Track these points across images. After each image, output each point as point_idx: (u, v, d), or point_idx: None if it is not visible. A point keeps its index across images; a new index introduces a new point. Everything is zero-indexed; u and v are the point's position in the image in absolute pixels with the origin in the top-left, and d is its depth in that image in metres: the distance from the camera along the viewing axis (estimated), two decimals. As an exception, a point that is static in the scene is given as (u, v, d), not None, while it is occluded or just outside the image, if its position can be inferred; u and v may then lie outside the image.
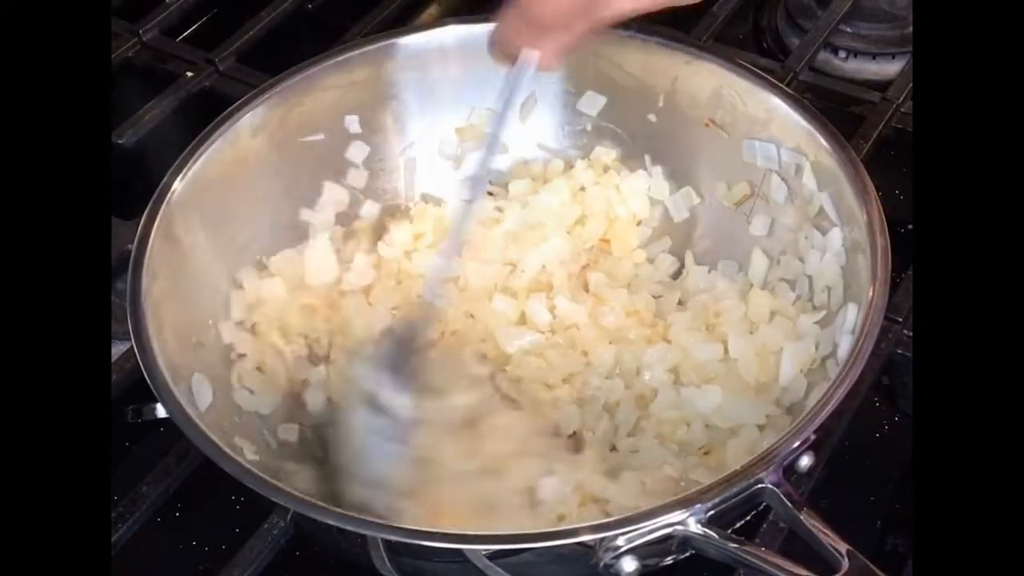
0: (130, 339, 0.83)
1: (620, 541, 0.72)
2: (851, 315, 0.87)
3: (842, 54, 1.23)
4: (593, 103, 1.05)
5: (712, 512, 0.74)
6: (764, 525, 0.82)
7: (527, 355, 0.96)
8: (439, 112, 1.07)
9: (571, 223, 1.04)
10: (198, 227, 0.95)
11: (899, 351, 0.93)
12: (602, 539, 0.72)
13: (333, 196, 1.04)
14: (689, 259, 1.02)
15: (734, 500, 0.74)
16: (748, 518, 0.81)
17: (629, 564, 0.72)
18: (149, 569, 0.90)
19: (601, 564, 0.73)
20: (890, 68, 1.21)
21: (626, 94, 1.03)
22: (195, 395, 0.87)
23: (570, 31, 0.82)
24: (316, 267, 1.01)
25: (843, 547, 0.71)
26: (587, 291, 1.01)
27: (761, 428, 0.89)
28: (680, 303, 1.00)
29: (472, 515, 0.84)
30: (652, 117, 1.03)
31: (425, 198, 1.08)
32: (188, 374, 0.88)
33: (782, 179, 0.96)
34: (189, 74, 1.20)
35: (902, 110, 1.11)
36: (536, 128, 1.07)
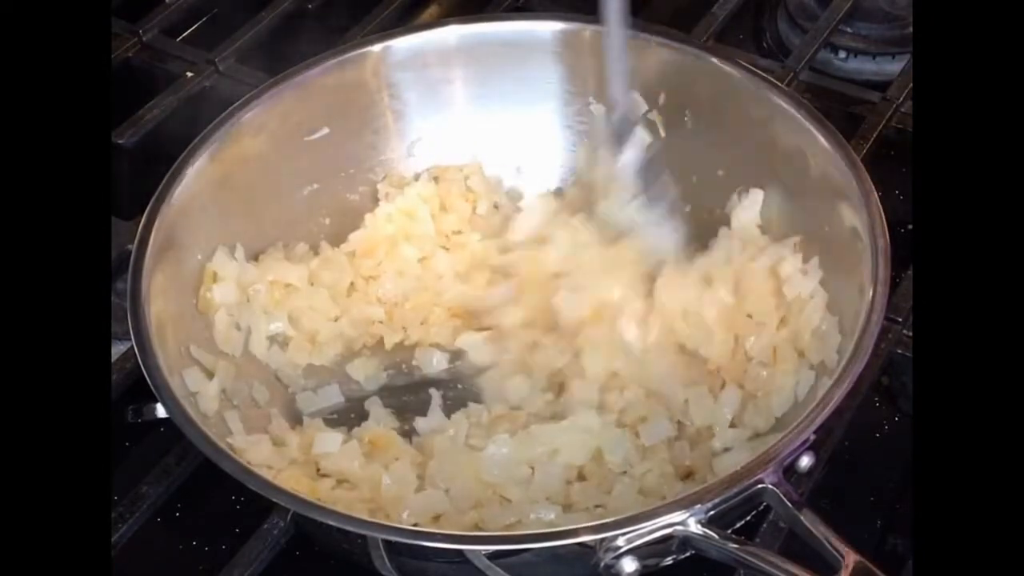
0: (130, 339, 0.84)
1: (620, 541, 0.72)
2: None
3: (842, 54, 1.23)
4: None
5: (712, 512, 0.74)
6: (764, 525, 0.82)
7: None
8: (440, 112, 1.07)
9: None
10: (198, 227, 0.95)
11: (899, 351, 0.93)
12: (602, 539, 0.72)
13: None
14: None
15: (734, 500, 0.74)
16: (748, 518, 0.81)
17: (629, 564, 0.72)
18: (149, 569, 0.90)
19: (601, 564, 0.73)
20: (890, 68, 1.21)
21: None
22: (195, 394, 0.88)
23: None
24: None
25: (843, 547, 0.71)
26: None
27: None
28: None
29: None
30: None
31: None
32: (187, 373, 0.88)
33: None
34: (189, 74, 1.20)
35: (902, 110, 1.11)
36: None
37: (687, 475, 0.88)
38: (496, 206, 1.07)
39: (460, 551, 0.74)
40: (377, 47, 1.03)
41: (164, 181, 0.92)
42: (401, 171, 1.08)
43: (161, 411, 0.81)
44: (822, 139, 0.92)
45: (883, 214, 0.86)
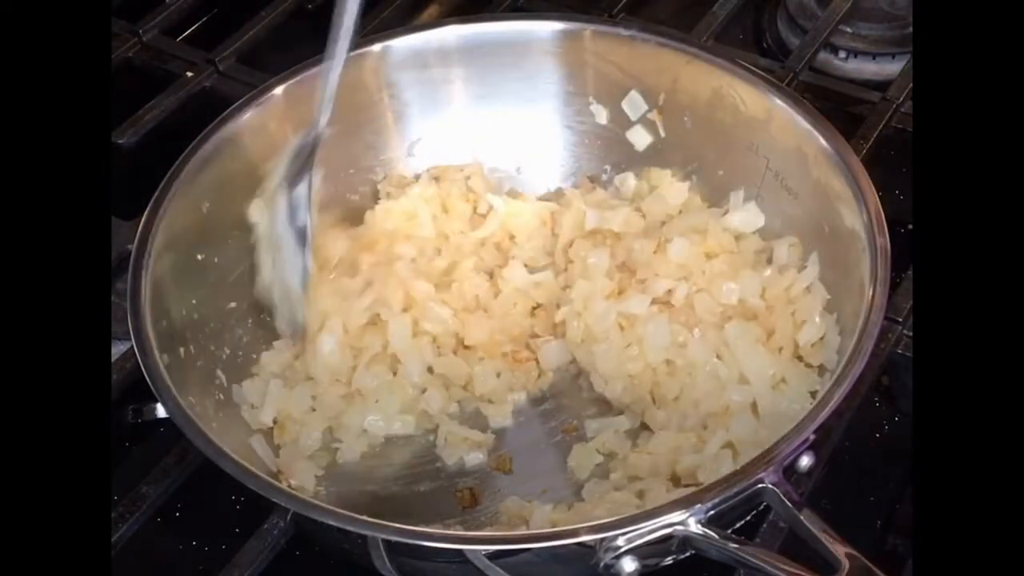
0: (130, 339, 0.84)
1: (620, 541, 0.72)
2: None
3: (842, 54, 1.23)
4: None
5: (712, 512, 0.74)
6: (764, 525, 0.82)
7: None
8: (440, 112, 1.07)
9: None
10: (198, 227, 0.95)
11: (899, 351, 0.93)
12: (602, 539, 0.72)
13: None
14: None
15: (734, 500, 0.74)
16: (748, 518, 0.81)
17: (629, 564, 0.73)
18: (149, 569, 0.90)
19: (601, 564, 0.73)
20: (890, 68, 1.21)
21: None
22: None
23: None
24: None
25: (843, 547, 0.71)
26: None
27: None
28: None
29: None
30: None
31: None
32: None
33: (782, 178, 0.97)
34: (189, 74, 1.20)
35: (902, 110, 1.11)
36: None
37: None
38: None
39: (460, 551, 0.74)
40: (377, 47, 1.03)
41: (164, 181, 0.92)
42: (401, 171, 1.08)
43: (161, 411, 0.81)
44: (822, 139, 0.92)
45: (883, 214, 0.86)
